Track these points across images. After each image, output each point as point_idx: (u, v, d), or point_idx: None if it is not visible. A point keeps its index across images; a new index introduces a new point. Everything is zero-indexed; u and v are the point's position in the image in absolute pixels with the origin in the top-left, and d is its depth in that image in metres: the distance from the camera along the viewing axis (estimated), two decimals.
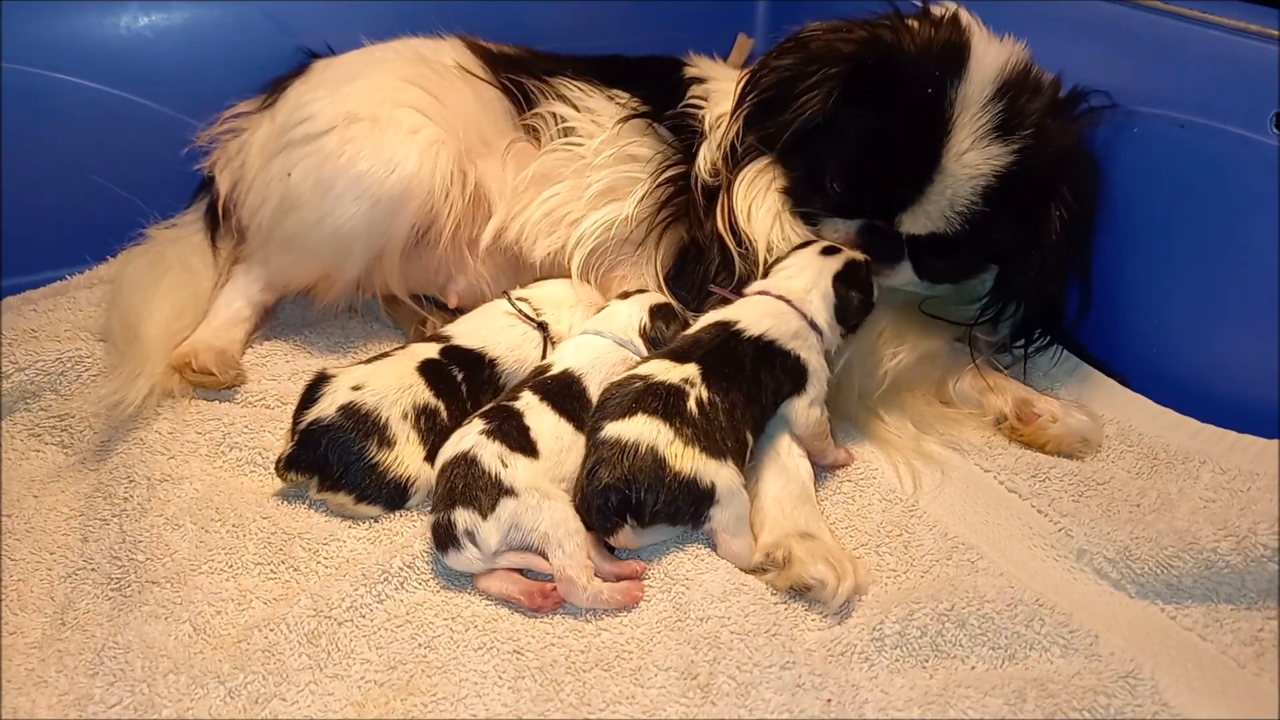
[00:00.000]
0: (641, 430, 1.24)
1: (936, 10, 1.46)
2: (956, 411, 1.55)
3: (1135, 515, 1.34)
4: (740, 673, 1.13)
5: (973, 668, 1.16)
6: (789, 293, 1.40)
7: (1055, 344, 1.58)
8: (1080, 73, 1.52)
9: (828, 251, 1.43)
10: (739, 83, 1.54)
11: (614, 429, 1.26)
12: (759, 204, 1.50)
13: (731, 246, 1.49)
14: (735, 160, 1.52)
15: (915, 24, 1.44)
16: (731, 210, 1.50)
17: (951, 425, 1.52)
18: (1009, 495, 1.41)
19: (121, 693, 1.10)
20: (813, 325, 1.38)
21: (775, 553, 1.25)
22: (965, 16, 1.45)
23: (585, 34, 1.91)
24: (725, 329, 1.37)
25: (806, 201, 1.49)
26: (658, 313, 1.46)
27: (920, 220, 1.40)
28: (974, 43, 1.39)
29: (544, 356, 1.48)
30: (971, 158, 1.35)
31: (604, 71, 1.74)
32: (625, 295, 1.51)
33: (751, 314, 1.38)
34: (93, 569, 1.28)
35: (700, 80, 1.68)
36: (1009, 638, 1.18)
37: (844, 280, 1.40)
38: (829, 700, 1.11)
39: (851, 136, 1.42)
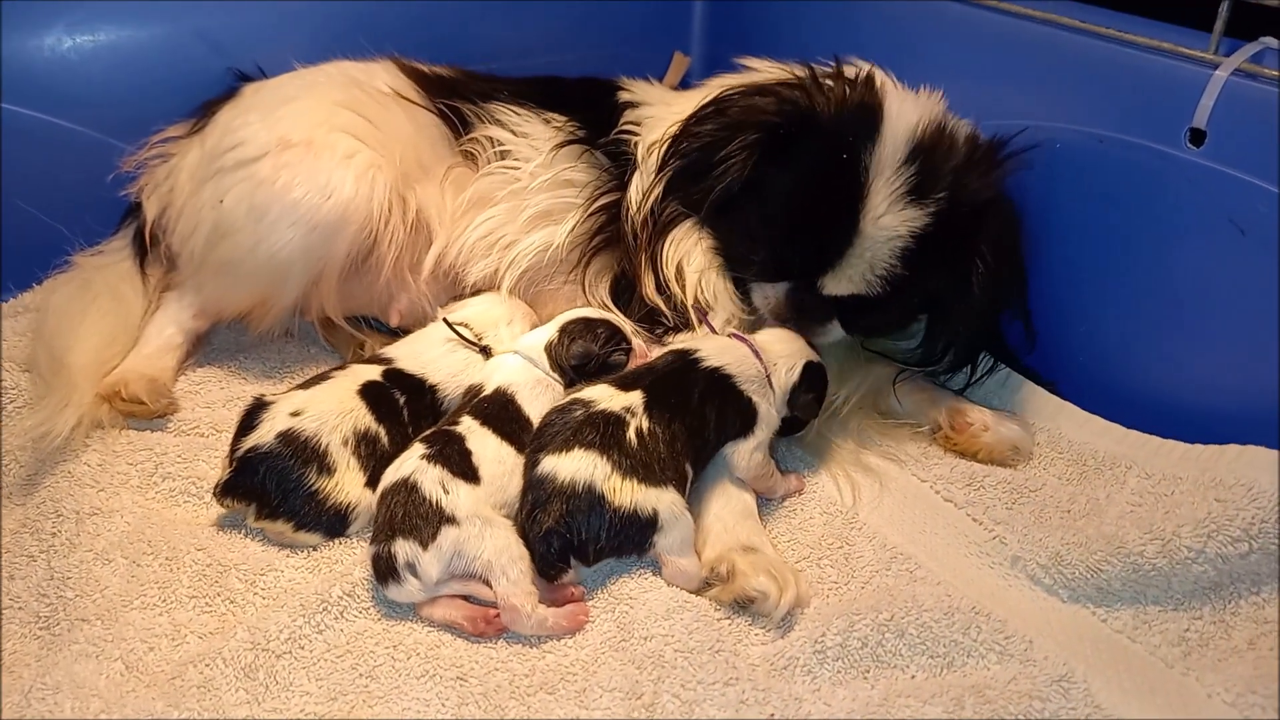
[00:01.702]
0: (578, 466, 1.23)
1: (850, 70, 1.49)
2: (893, 422, 1.57)
3: (1066, 521, 1.37)
4: (684, 691, 1.14)
5: (912, 677, 1.18)
6: (762, 347, 1.39)
7: (996, 367, 1.60)
8: (1005, 90, 1.56)
9: (811, 346, 1.45)
10: (660, 146, 1.54)
11: (550, 464, 1.24)
12: (687, 263, 1.51)
13: (662, 306, 1.50)
14: (657, 223, 1.52)
15: (830, 84, 1.46)
16: (658, 271, 1.51)
17: (888, 436, 1.55)
18: (945, 504, 1.44)
19: None
20: (769, 381, 1.37)
21: (719, 567, 1.26)
22: (879, 76, 1.48)
23: (519, 53, 1.91)
24: (682, 357, 1.36)
25: (733, 265, 1.51)
26: (566, 330, 1.43)
27: (842, 283, 1.42)
28: (887, 104, 1.42)
29: None
30: (888, 221, 1.38)
31: (540, 94, 1.74)
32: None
33: (715, 348, 1.37)
34: (19, 608, 1.24)
35: (634, 105, 1.69)
36: (947, 646, 1.20)
37: (811, 372, 1.41)
38: (772, 715, 1.12)
39: (773, 201, 1.44)
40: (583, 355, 1.40)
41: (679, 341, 1.42)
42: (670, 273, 1.51)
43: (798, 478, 1.46)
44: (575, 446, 1.24)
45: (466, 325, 1.51)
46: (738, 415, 1.34)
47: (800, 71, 1.50)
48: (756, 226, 1.46)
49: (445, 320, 1.51)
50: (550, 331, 1.44)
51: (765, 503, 1.42)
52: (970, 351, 1.55)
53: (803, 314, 1.47)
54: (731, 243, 1.50)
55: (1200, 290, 1.45)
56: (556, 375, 1.40)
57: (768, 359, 1.39)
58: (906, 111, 1.41)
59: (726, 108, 1.50)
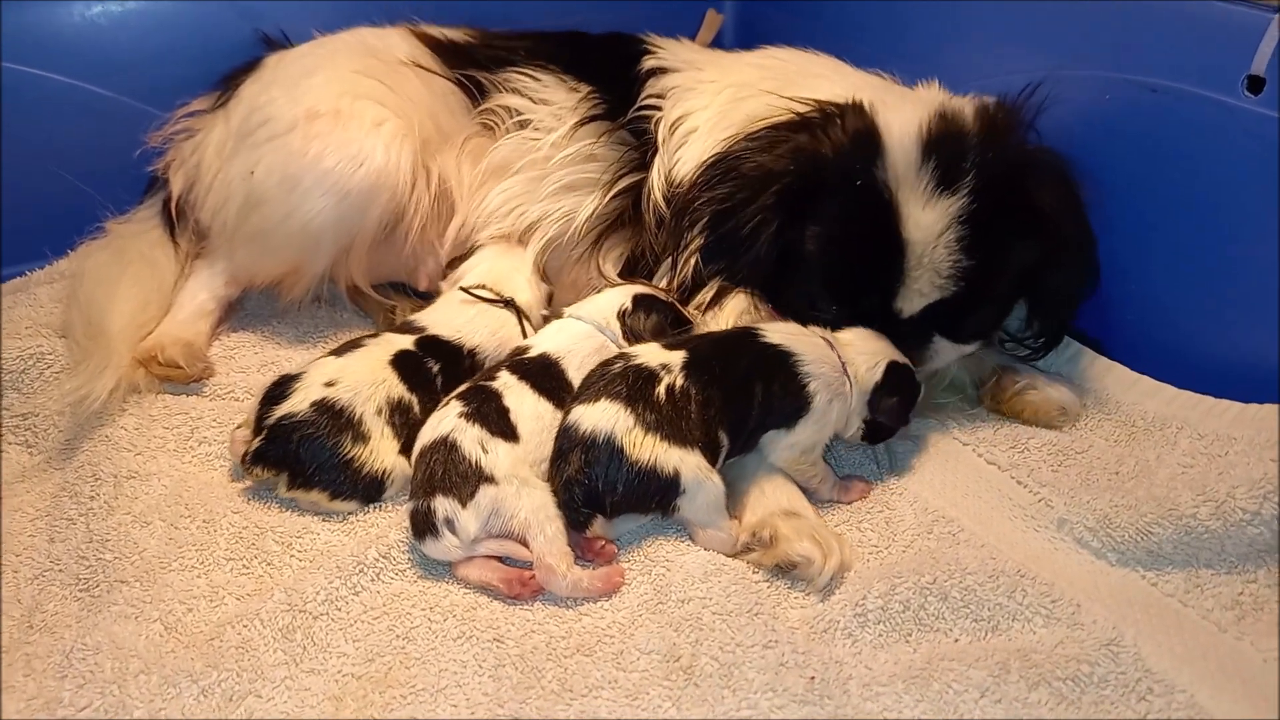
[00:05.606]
0: (600, 417, 1.22)
1: (840, 99, 1.45)
2: (937, 401, 1.52)
3: (1114, 483, 1.34)
4: (723, 653, 1.12)
5: (956, 640, 1.16)
6: (842, 344, 1.33)
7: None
8: (1051, 40, 1.50)
9: (898, 349, 1.38)
10: (679, 214, 1.48)
11: (577, 414, 1.24)
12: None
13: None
14: (698, 297, 1.47)
15: (825, 121, 1.43)
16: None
17: (930, 398, 1.51)
18: (988, 467, 1.41)
19: (91, 695, 1.08)
20: (845, 372, 1.31)
21: (761, 531, 1.25)
22: (865, 98, 1.44)
23: (546, 11, 1.88)
24: (745, 331, 1.31)
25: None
26: (641, 301, 1.41)
27: (914, 298, 1.38)
28: (881, 121, 1.39)
29: (524, 333, 1.46)
30: (928, 219, 1.34)
31: (561, 54, 1.71)
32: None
33: (784, 331, 1.31)
34: (60, 570, 1.25)
35: (659, 72, 1.65)
36: (991, 609, 1.17)
37: (895, 373, 1.34)
38: (812, 678, 1.10)
39: (813, 253, 1.40)
40: (657, 329, 1.39)
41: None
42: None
43: (864, 483, 1.38)
44: (603, 397, 1.24)
45: (483, 286, 1.50)
46: (786, 398, 1.27)
47: (800, 108, 1.46)
48: (809, 282, 1.42)
49: (463, 289, 1.50)
50: (622, 300, 1.42)
51: None
52: (1065, 322, 1.52)
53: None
54: (791, 303, 1.44)
55: (1255, 245, 1.40)
56: (625, 343, 1.38)
57: (846, 355, 1.32)
58: (903, 119, 1.39)
59: (739, 164, 1.45)
